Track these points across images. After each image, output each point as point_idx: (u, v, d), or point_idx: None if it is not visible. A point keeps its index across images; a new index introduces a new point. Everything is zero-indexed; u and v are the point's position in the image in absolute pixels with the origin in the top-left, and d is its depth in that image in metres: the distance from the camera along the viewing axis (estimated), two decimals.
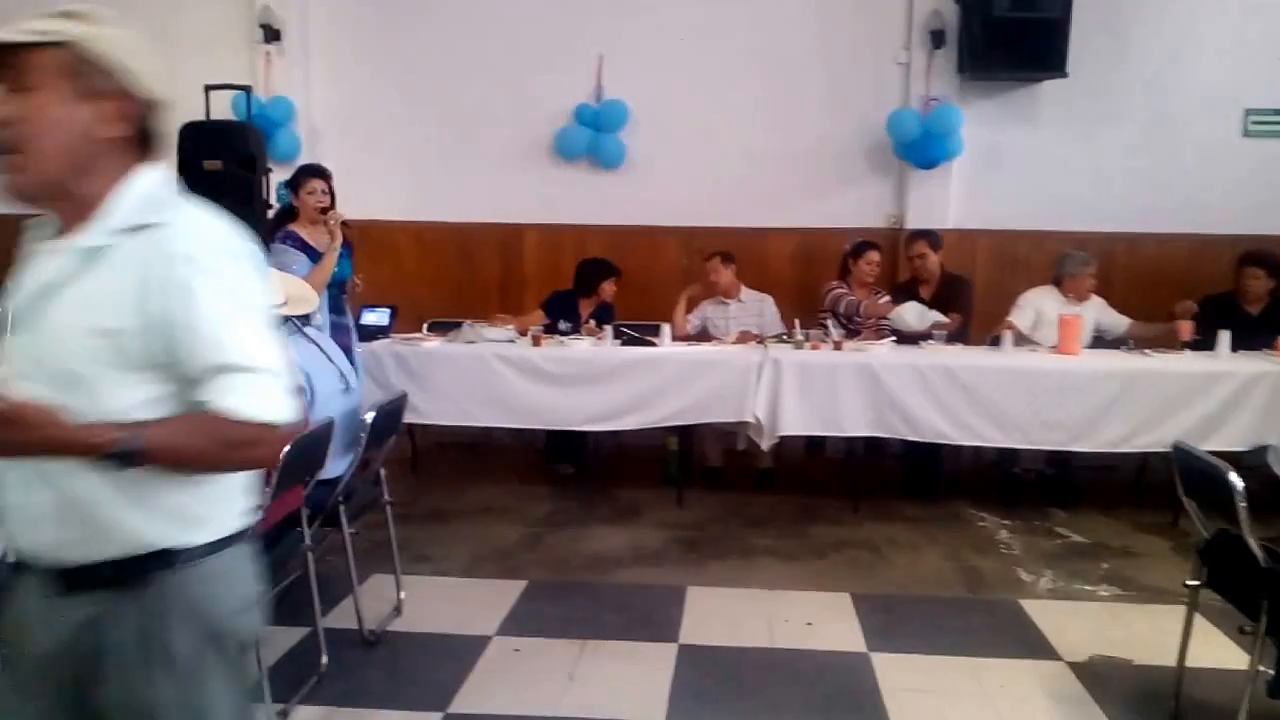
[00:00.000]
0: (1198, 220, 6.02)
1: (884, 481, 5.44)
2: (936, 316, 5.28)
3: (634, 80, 6.26)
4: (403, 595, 3.85)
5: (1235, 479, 2.75)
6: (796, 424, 4.86)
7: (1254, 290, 5.29)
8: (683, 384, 4.94)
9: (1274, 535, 2.97)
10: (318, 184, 4.76)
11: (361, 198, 5.51)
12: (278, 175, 5.49)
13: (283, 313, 3.29)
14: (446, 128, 6.48)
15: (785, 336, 5.25)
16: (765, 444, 4.93)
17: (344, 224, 4.76)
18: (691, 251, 6.33)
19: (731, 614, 3.81)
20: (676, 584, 4.10)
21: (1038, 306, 5.38)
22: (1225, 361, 4.83)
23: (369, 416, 3.46)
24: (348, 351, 4.78)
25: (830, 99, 6.24)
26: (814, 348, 5.07)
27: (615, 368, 5.01)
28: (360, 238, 5.18)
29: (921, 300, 5.43)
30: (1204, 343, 5.04)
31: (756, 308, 5.72)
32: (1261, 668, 2.70)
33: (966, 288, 5.53)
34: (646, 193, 6.35)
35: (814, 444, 5.58)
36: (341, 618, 3.60)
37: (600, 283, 5.68)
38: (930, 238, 5.54)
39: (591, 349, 5.17)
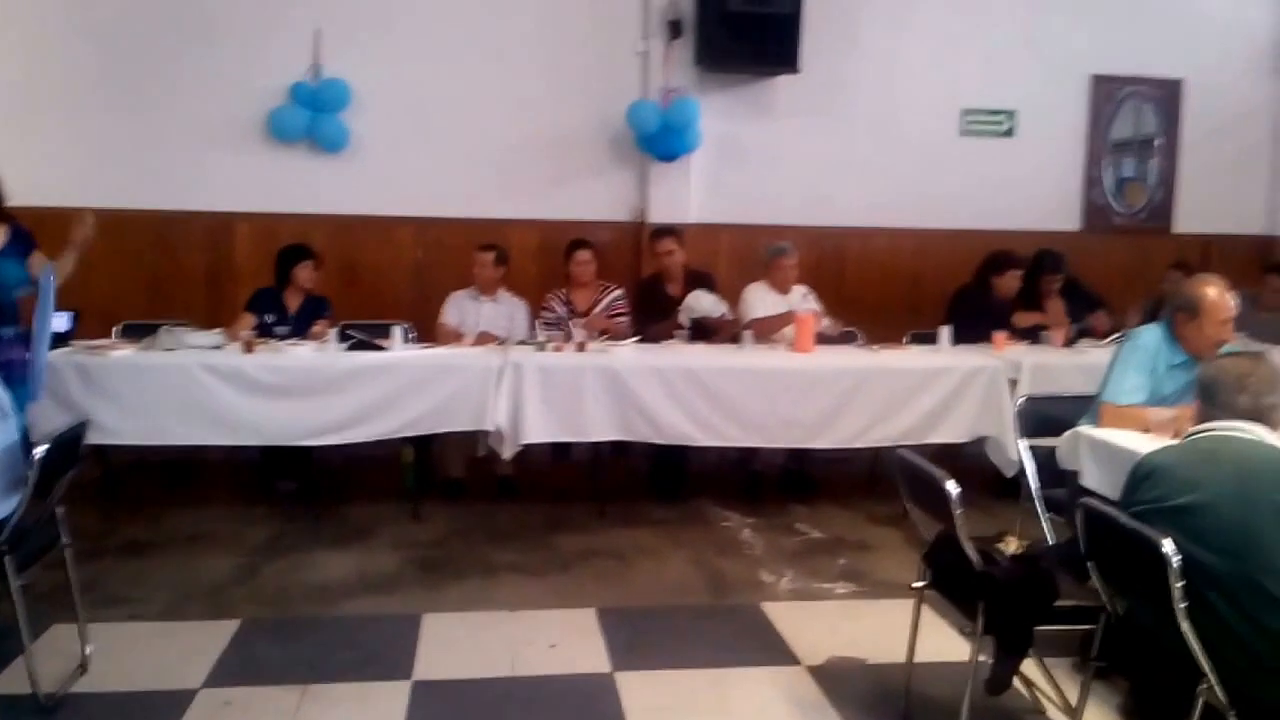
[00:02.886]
0: (922, 215, 6.34)
1: (631, 481, 5.35)
2: (725, 306, 5.26)
3: (356, 58, 5.79)
4: (89, 649, 3.30)
5: (951, 487, 2.78)
6: (539, 431, 4.66)
7: (1013, 289, 5.58)
8: (417, 391, 4.60)
9: (993, 535, 3.08)
10: None
11: (31, 180, 4.64)
12: None
13: None
14: (140, 101, 5.72)
15: (528, 338, 5.04)
16: (507, 453, 4.70)
17: (9, 218, 4.05)
18: (426, 243, 5.96)
19: (471, 642, 3.56)
20: (411, 612, 3.78)
21: (756, 301, 5.47)
22: (947, 357, 5.06)
23: (40, 450, 2.90)
24: (11, 369, 4.08)
25: (569, 86, 6.05)
26: (557, 349, 4.87)
27: (341, 375, 4.58)
28: (31, 228, 4.41)
29: (668, 296, 5.36)
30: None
31: (509, 311, 5.46)
32: (982, 657, 2.78)
33: (711, 284, 5.52)
34: (375, 179, 5.91)
35: (560, 448, 5.39)
36: (12, 681, 3.06)
37: (291, 268, 5.20)
38: (677, 233, 5.48)
39: (313, 355, 4.71)
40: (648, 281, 5.59)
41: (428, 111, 5.93)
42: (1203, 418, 2.54)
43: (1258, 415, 2.44)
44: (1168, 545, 2.19)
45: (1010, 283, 5.58)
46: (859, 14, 6.17)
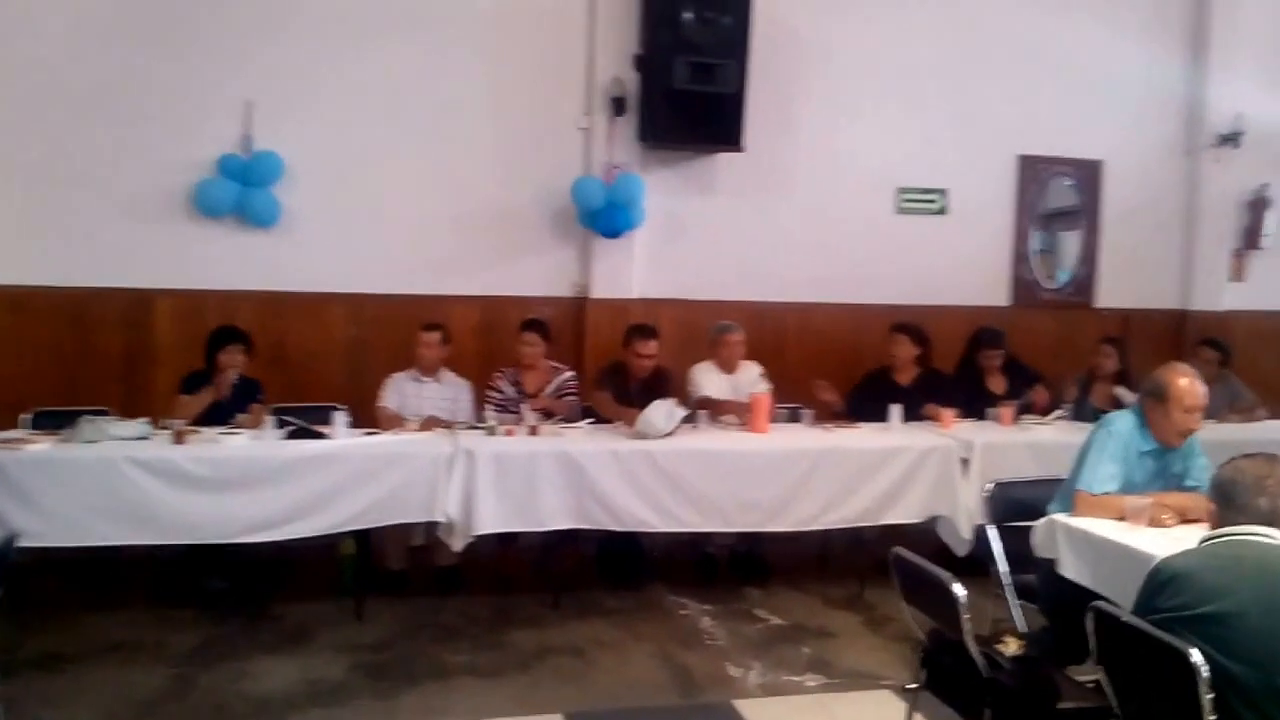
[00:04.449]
0: (860, 291, 6.37)
1: (581, 567, 5.15)
2: (682, 412, 4.93)
3: (289, 131, 5.51)
4: None
5: (958, 590, 2.74)
6: (493, 521, 4.45)
7: (901, 357, 5.61)
8: (363, 481, 4.35)
9: (990, 635, 3.02)
10: None
11: None
12: None
13: None
14: (52, 173, 5.32)
15: (478, 422, 4.85)
16: (458, 545, 4.47)
17: None
18: (361, 322, 5.71)
19: None
20: None
21: (704, 381, 5.41)
22: (899, 436, 5.04)
23: None
24: None
25: (511, 161, 5.90)
26: (508, 433, 4.70)
27: (280, 466, 4.30)
28: None
29: (627, 390, 5.19)
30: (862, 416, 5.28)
31: (453, 392, 5.23)
32: None
33: (671, 378, 5.34)
34: (307, 255, 5.62)
35: (507, 535, 5.16)
36: None
37: (215, 355, 4.90)
38: (658, 337, 5.30)
39: (251, 445, 4.42)
40: (616, 368, 5.37)
41: (364, 186, 5.69)
42: (1220, 520, 2.48)
43: (1277, 519, 2.40)
44: (1196, 656, 2.16)
45: (899, 350, 5.59)
46: (800, 95, 6.23)
